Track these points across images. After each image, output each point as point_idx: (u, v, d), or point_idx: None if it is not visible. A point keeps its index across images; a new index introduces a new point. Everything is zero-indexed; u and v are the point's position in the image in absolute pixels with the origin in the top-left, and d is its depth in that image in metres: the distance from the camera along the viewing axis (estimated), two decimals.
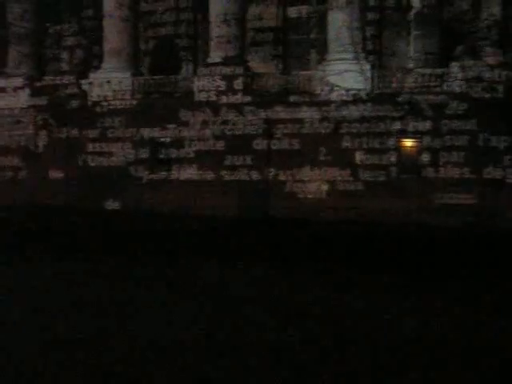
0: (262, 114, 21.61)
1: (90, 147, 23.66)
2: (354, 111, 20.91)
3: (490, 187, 19.77)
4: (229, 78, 21.91)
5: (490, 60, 18.91)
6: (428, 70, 20.79)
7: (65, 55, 25.08)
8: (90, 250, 13.90)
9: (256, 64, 22.99)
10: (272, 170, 21.50)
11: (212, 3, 22.12)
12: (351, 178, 21.04)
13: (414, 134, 20.64)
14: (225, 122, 21.80)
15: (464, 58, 19.91)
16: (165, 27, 25.83)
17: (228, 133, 21.89)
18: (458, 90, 20.10)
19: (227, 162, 21.88)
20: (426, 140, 20.48)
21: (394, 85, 20.77)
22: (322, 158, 21.15)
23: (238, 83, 21.84)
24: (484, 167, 19.86)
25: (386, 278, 11.12)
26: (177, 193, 21.85)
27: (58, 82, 24.28)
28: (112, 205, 22.85)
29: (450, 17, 20.49)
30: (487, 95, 19.22)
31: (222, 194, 21.49)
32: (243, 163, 21.76)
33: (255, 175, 21.69)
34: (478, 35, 16.81)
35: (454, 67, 20.15)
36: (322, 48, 22.20)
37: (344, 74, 20.78)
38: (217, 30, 21.96)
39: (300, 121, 21.25)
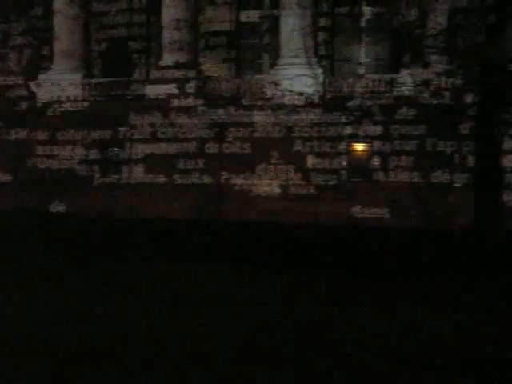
0: (215, 118, 21.63)
1: (40, 150, 23.26)
2: (305, 115, 21.11)
3: (438, 191, 20.21)
4: (181, 82, 21.86)
5: (437, 67, 19.32)
6: (378, 76, 21.12)
7: (13, 55, 24.56)
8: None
9: (209, 67, 22.98)
10: (224, 173, 21.53)
11: (164, 9, 22.04)
12: (303, 182, 21.23)
13: (364, 139, 20.96)
14: (177, 126, 21.74)
15: (412, 65, 20.29)
16: (117, 29, 25.54)
17: (180, 136, 21.82)
18: (407, 95, 20.52)
19: (179, 166, 21.82)
20: (377, 144, 20.81)
21: (345, 90, 21.03)
22: (273, 161, 21.28)
23: (191, 86, 21.81)
24: (432, 171, 20.35)
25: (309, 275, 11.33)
26: (128, 196, 21.69)
27: (5, 82, 23.85)
28: (57, 207, 22.57)
29: (399, 24, 20.80)
30: (435, 101, 19.62)
31: (174, 198, 21.43)
32: (195, 167, 21.74)
33: (207, 179, 21.69)
34: (425, 43, 17.12)
35: (403, 73, 20.54)
36: (275, 52, 22.28)
37: (296, 78, 20.94)
38: (169, 35, 21.89)
39: (252, 124, 21.34)
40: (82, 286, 10.49)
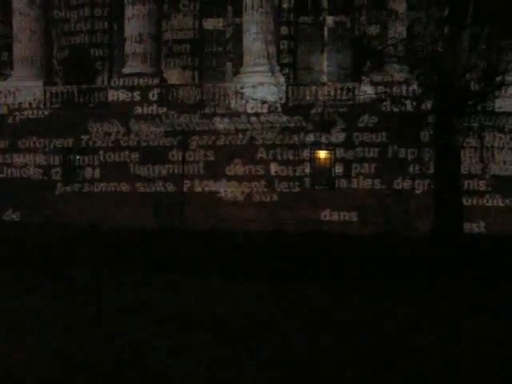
0: (178, 126, 21.55)
1: (0, 158, 22.92)
2: (268, 123, 21.21)
3: (400, 197, 20.52)
4: (144, 89, 21.75)
5: (397, 76, 19.61)
6: (340, 84, 21.35)
7: None
8: None
9: (172, 75, 22.95)
10: (187, 181, 21.48)
11: (126, 21, 21.92)
12: (266, 189, 21.31)
13: (327, 146, 21.14)
14: (140, 134, 21.62)
15: (373, 74, 20.53)
16: (79, 36, 25.39)
17: (143, 144, 21.71)
18: (368, 103, 20.78)
19: (142, 174, 21.69)
20: (339, 152, 21.02)
21: (308, 97, 21.20)
22: (237, 169, 21.33)
23: (153, 94, 21.71)
24: (393, 178, 20.64)
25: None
26: (90, 204, 21.47)
27: None
28: (11, 216, 22.32)
29: (360, 34, 21.13)
30: (395, 109, 19.88)
31: (138, 206, 21.27)
32: (158, 175, 21.63)
33: (171, 187, 21.59)
34: (385, 52, 17.30)
35: (365, 82, 20.80)
36: (238, 60, 22.38)
37: (259, 86, 21.04)
38: (132, 47, 21.79)
39: (215, 132, 21.34)
40: None
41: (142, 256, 14.70)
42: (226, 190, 21.41)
